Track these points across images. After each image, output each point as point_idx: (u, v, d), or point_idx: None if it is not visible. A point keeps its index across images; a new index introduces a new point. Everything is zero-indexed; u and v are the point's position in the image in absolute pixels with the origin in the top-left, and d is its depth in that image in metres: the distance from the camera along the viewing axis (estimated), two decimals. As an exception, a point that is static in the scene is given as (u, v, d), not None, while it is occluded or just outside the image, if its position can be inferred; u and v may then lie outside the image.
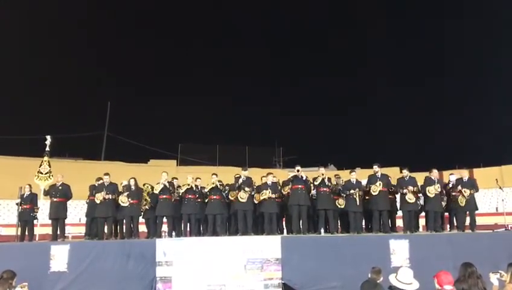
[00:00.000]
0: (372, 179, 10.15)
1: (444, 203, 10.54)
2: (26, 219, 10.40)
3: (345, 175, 11.05)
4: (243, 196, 9.95)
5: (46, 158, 11.40)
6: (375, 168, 10.20)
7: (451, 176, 10.55)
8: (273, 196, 10.05)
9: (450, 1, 35.79)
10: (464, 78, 35.13)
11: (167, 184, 10.13)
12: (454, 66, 35.59)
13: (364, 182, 10.67)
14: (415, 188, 9.99)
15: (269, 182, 10.22)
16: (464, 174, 10.40)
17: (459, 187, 9.98)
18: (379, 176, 10.07)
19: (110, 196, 10.04)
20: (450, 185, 10.38)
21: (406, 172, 10.16)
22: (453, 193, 10.23)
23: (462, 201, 9.89)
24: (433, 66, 37.12)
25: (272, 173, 10.65)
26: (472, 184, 10.15)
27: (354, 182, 10.22)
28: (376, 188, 9.88)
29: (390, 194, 10.48)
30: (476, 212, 10.15)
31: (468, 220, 10.13)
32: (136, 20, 39.61)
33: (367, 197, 10.32)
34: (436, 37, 38.19)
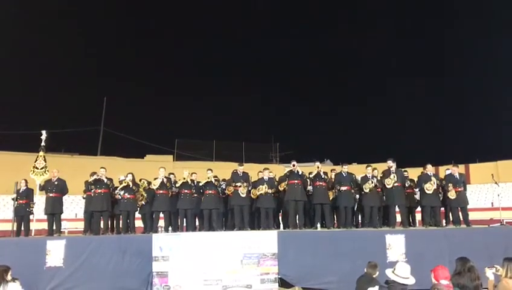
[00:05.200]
0: (386, 174, 10.02)
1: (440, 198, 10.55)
2: (22, 214, 10.37)
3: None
4: (242, 191, 9.94)
5: (41, 153, 11.37)
6: (390, 163, 10.00)
7: (447, 171, 10.57)
8: (270, 191, 10.05)
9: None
10: (463, 77, 35.28)
11: (165, 179, 10.13)
12: (453, 64, 35.71)
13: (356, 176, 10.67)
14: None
15: (266, 177, 10.21)
16: (455, 170, 10.39)
17: (449, 184, 10.01)
18: (393, 171, 9.92)
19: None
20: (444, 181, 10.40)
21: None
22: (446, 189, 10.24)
23: (452, 196, 9.91)
24: (432, 66, 37.26)
25: (268, 169, 10.64)
26: (463, 181, 10.19)
27: (345, 175, 10.22)
28: (390, 181, 9.78)
29: (409, 189, 10.60)
30: (472, 207, 10.18)
31: (461, 215, 10.14)
32: (135, 17, 39.52)
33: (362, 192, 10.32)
34: (435, 36, 38.27)
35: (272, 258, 8.71)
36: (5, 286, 5.05)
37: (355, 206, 10.59)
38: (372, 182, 9.90)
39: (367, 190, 9.96)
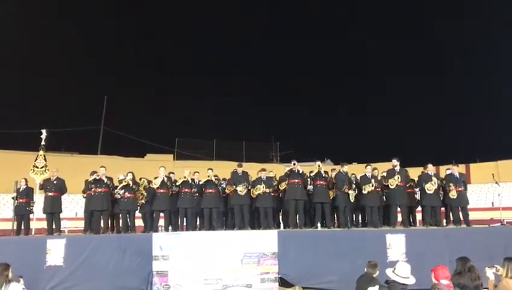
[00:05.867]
0: (390, 173, 10.02)
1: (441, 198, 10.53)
2: (22, 213, 10.36)
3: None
4: (241, 189, 9.94)
5: (41, 152, 11.35)
6: (394, 162, 10.04)
7: (447, 171, 10.56)
8: (268, 190, 10.05)
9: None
10: (463, 77, 35.31)
11: (165, 179, 10.12)
12: (453, 64, 35.73)
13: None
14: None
15: (263, 177, 10.22)
16: (455, 169, 10.38)
17: (450, 184, 10.00)
18: (398, 170, 9.92)
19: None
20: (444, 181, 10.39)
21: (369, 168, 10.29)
22: (447, 189, 10.23)
23: (453, 195, 9.90)
24: (432, 66, 37.25)
25: (265, 169, 10.63)
26: (463, 180, 10.18)
27: (344, 175, 10.23)
28: (394, 182, 9.80)
29: (409, 189, 10.55)
30: (473, 207, 10.16)
31: (461, 215, 10.13)
32: (135, 17, 39.55)
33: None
34: (435, 36, 38.25)
35: (272, 258, 8.71)
36: (7, 286, 5.00)
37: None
38: (372, 185, 9.90)
39: (365, 192, 9.97)
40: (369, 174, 10.14)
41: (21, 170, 12.39)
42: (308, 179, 10.23)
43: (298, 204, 9.88)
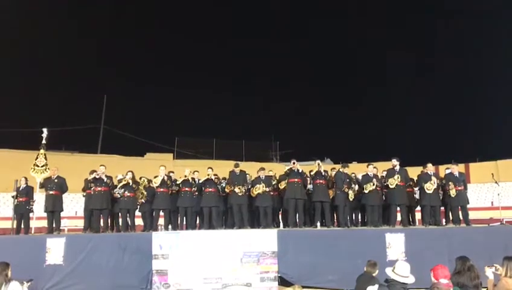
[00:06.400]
0: (390, 173, 10.05)
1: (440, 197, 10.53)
2: (22, 211, 10.38)
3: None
4: (239, 192, 9.96)
5: (42, 151, 11.36)
6: (394, 161, 10.08)
7: (447, 170, 10.57)
8: (267, 189, 10.06)
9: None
10: (463, 76, 35.29)
11: (165, 177, 10.13)
12: (454, 64, 35.70)
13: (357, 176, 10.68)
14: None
15: (262, 176, 10.24)
16: (454, 168, 10.39)
17: (449, 183, 10.01)
18: (397, 170, 9.96)
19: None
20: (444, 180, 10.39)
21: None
22: (446, 188, 10.24)
23: (453, 194, 9.90)
24: (432, 66, 37.24)
25: (264, 169, 10.65)
26: (463, 179, 10.18)
27: (344, 173, 10.25)
28: (394, 182, 9.82)
29: (408, 188, 10.55)
30: (472, 206, 10.16)
31: (460, 215, 10.14)
32: (135, 14, 39.50)
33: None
34: (435, 36, 38.23)
35: (271, 257, 8.71)
36: (7, 285, 4.99)
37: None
38: (373, 184, 9.91)
39: (367, 191, 9.97)
40: (370, 173, 10.16)
41: (21, 168, 12.40)
42: (308, 178, 10.24)
43: (298, 203, 9.89)
